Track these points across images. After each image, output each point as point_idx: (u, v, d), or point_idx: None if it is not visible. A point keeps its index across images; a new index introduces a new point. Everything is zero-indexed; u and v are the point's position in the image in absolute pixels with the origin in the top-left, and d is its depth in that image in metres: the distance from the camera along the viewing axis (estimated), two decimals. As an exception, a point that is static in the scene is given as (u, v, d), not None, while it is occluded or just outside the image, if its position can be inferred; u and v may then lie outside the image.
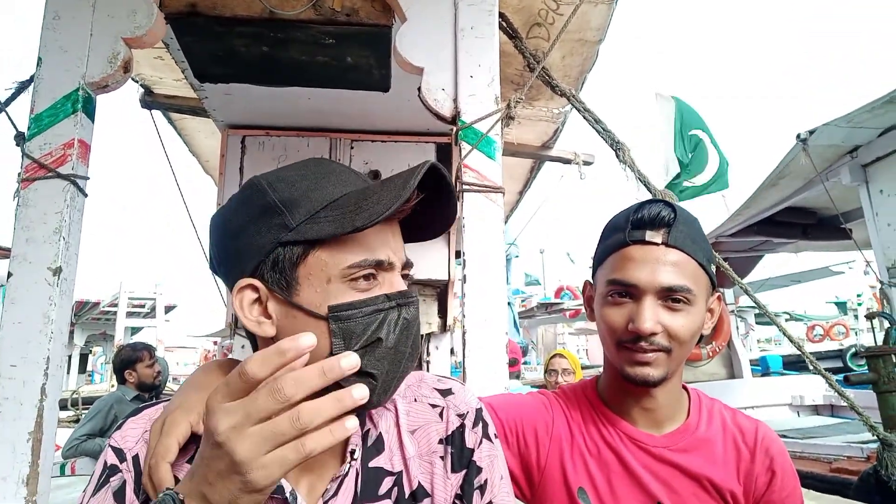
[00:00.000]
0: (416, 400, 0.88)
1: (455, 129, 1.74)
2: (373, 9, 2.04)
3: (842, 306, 22.49)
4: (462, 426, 0.86)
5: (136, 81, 2.91)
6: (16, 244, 1.57)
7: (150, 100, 3.02)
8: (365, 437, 0.83)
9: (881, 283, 4.23)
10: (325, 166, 0.79)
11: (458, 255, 2.66)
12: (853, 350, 11.31)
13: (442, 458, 0.84)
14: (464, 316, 1.60)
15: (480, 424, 0.87)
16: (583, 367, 5.20)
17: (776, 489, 1.01)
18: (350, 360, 0.55)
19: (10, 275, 1.56)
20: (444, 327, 3.40)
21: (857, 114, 3.91)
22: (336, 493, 0.77)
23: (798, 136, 4.35)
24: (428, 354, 3.48)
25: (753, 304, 2.64)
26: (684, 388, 1.11)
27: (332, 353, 0.72)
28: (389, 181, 0.75)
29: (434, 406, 0.88)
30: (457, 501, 0.83)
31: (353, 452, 0.80)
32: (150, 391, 4.13)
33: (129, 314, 16.16)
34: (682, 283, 0.97)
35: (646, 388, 1.02)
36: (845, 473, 3.46)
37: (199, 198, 3.62)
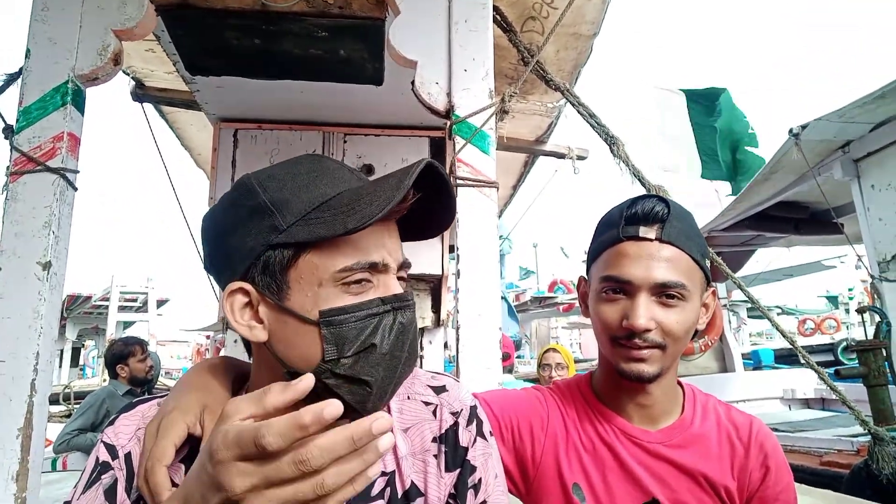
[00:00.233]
0: (409, 397, 0.87)
1: (449, 123, 1.73)
2: (366, 1, 2.03)
3: (833, 300, 22.67)
4: (456, 424, 0.85)
5: (128, 74, 2.88)
6: (4, 238, 1.55)
7: (142, 93, 2.99)
8: None
9: (872, 277, 4.26)
10: (318, 164, 0.77)
11: (451, 249, 2.65)
12: (844, 344, 11.38)
13: (435, 456, 0.83)
14: (457, 311, 1.59)
15: (475, 422, 0.87)
16: (576, 361, 5.22)
17: (770, 484, 1.02)
18: (381, 424, 0.52)
19: (-2, 269, 1.54)
20: (437, 322, 3.39)
21: (849, 109, 3.92)
22: None
23: (790, 130, 4.36)
24: (421, 349, 3.47)
25: (746, 299, 2.64)
26: (679, 383, 1.11)
27: (324, 360, 0.70)
28: (384, 180, 0.73)
29: (427, 403, 0.87)
30: (450, 501, 0.82)
31: None
32: (143, 385, 4.12)
33: (121, 308, 16.10)
34: (676, 279, 0.97)
35: (641, 384, 1.02)
36: (836, 467, 3.49)
37: (191, 191, 3.59)
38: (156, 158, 3.26)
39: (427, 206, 0.79)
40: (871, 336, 3.82)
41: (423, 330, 3.46)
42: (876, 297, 4.21)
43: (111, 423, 0.80)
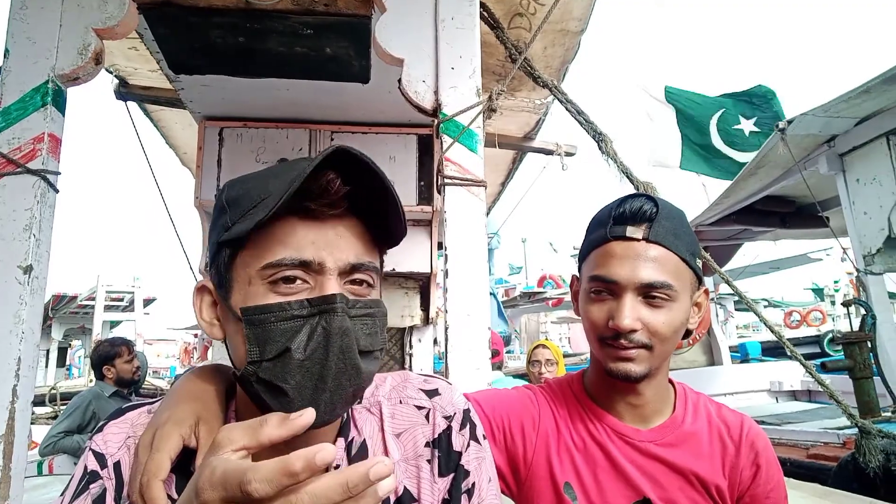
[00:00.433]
0: (401, 402, 0.86)
1: (436, 121, 1.71)
2: (351, -1, 2.01)
3: (818, 293, 22.88)
4: (449, 428, 0.84)
5: (111, 73, 2.84)
6: (-16, 242, 1.53)
7: (126, 91, 2.95)
8: (349, 446, 0.81)
9: (857, 271, 4.30)
10: (285, 164, 0.75)
11: (440, 246, 2.64)
12: (830, 336, 11.51)
13: (429, 461, 0.82)
14: (446, 311, 1.58)
15: (468, 426, 0.85)
16: (565, 356, 5.24)
17: (761, 482, 1.02)
18: (379, 469, 0.48)
19: (-22, 274, 1.51)
20: (426, 320, 3.39)
21: (834, 104, 3.95)
22: None
23: (776, 125, 4.39)
24: (410, 347, 3.47)
25: (732, 292, 2.66)
26: (671, 382, 1.11)
27: (248, 362, 0.68)
28: (291, 168, 0.70)
29: (420, 408, 0.86)
30: None
31: (337, 468, 0.78)
32: (129, 386, 4.09)
33: (108, 308, 15.93)
34: (662, 280, 0.96)
35: (631, 383, 1.02)
36: (822, 459, 3.52)
37: (177, 190, 3.56)
38: (140, 157, 3.22)
39: (383, 204, 0.75)
40: (856, 328, 3.86)
41: (412, 328, 3.46)
42: (861, 290, 4.26)
43: (99, 429, 0.78)
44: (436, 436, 0.83)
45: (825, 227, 5.08)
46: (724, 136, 7.13)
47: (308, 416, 0.54)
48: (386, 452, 0.81)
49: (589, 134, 2.10)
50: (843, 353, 3.69)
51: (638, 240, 0.98)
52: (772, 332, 2.66)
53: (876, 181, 4.14)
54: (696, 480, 1.00)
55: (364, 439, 0.82)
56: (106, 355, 4.01)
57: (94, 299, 15.44)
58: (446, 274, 1.62)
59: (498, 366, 4.01)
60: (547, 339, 10.38)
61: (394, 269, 3.08)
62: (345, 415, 0.82)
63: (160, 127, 3.40)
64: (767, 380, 6.75)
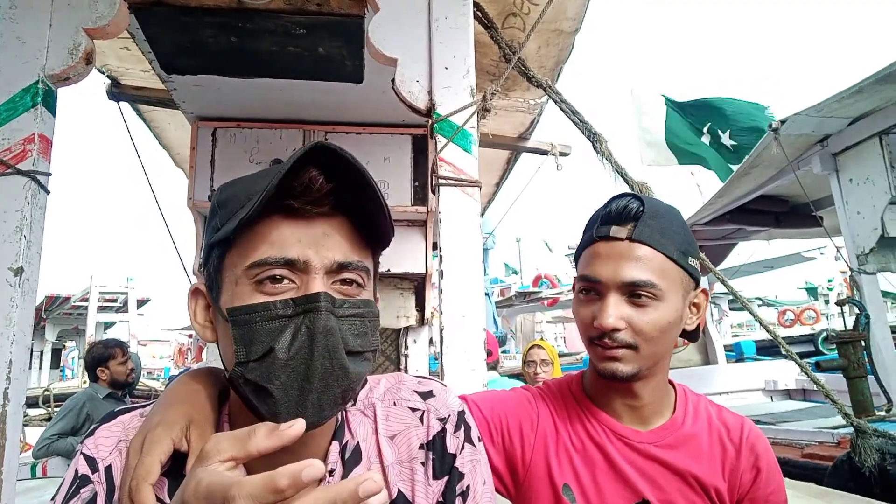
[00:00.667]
0: (395, 403, 0.86)
1: (430, 121, 1.71)
2: (344, -2, 2.00)
3: (812, 291, 23.00)
4: (443, 430, 0.84)
5: (103, 73, 2.83)
6: (-26, 244, 1.51)
7: (118, 91, 2.94)
8: (343, 449, 0.80)
9: (851, 270, 4.31)
10: (276, 165, 0.73)
11: (435, 246, 2.64)
12: (824, 334, 11.55)
13: (423, 464, 0.82)
14: (441, 312, 1.58)
15: (462, 428, 0.85)
16: (560, 355, 5.23)
17: (761, 486, 1.02)
18: (368, 486, 0.46)
19: (-32, 276, 1.50)
20: (421, 321, 3.38)
21: (828, 103, 3.96)
22: None
23: (770, 125, 4.40)
24: (406, 348, 3.46)
25: (727, 291, 2.67)
26: (671, 383, 1.11)
27: (235, 363, 0.68)
28: (274, 168, 0.70)
29: (414, 410, 0.85)
30: None
31: (332, 472, 0.77)
32: (123, 388, 4.07)
33: (101, 309, 15.83)
34: (645, 279, 0.96)
35: (628, 384, 1.02)
36: (817, 459, 3.53)
37: (170, 191, 3.54)
38: (133, 158, 3.21)
39: (368, 201, 0.73)
40: (850, 328, 3.87)
41: (407, 329, 3.45)
42: (855, 289, 4.27)
43: (91, 433, 0.77)
44: (430, 438, 0.83)
45: (819, 227, 5.09)
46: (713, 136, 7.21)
47: (298, 427, 0.52)
48: (380, 455, 0.81)
49: (583, 134, 2.10)
50: (836, 352, 3.70)
51: (622, 239, 0.99)
52: (767, 330, 2.66)
53: (869, 181, 4.15)
54: (696, 482, 1.00)
55: (358, 442, 0.81)
56: (100, 357, 4.00)
57: (87, 300, 15.35)
58: (441, 274, 1.61)
59: (493, 366, 4.01)
60: (542, 338, 10.39)
61: (389, 270, 3.07)
62: (339, 417, 0.81)
63: (153, 127, 3.38)
64: (762, 379, 6.76)
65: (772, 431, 4.23)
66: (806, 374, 2.50)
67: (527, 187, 5.23)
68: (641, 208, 1.00)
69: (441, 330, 1.57)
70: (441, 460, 0.82)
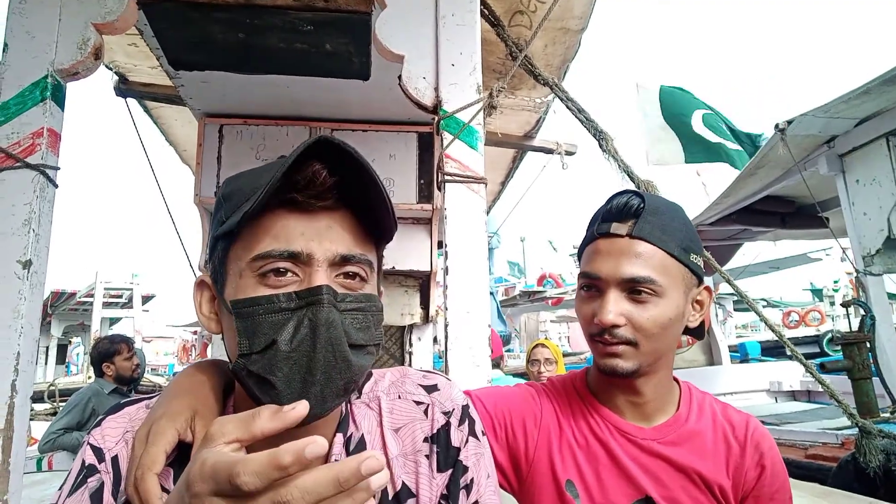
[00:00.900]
0: (399, 397, 0.86)
1: (436, 118, 1.71)
2: (352, -5, 2.01)
3: (817, 293, 22.89)
4: (448, 424, 0.84)
5: (110, 69, 2.84)
6: (-17, 237, 1.52)
7: (125, 87, 2.95)
8: (347, 441, 0.81)
9: (857, 271, 4.30)
10: (280, 159, 0.74)
11: (440, 244, 2.64)
12: (829, 336, 11.51)
13: (427, 457, 0.82)
14: (446, 309, 1.58)
15: (467, 422, 0.85)
16: (564, 355, 5.24)
17: (766, 484, 1.02)
18: (370, 464, 0.47)
19: (-23, 269, 1.51)
20: (426, 318, 3.39)
21: (834, 104, 3.95)
22: None
23: (776, 125, 4.38)
24: (410, 346, 3.46)
25: (732, 292, 2.66)
26: (676, 380, 1.11)
27: (239, 355, 0.69)
28: (279, 161, 0.70)
29: (419, 403, 0.85)
30: (442, 501, 0.81)
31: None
32: (129, 384, 4.08)
33: (106, 304, 15.89)
34: (644, 275, 0.96)
35: (629, 380, 1.02)
36: (821, 460, 3.52)
37: (176, 187, 3.55)
38: (140, 154, 3.22)
39: (371, 195, 0.74)
40: (855, 329, 3.86)
41: (412, 326, 3.46)
42: (861, 290, 4.25)
43: (98, 424, 0.78)
44: (434, 431, 0.83)
45: (825, 228, 5.07)
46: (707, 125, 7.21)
47: (301, 408, 0.53)
48: (384, 448, 0.81)
49: (590, 132, 2.09)
50: (841, 353, 3.69)
51: (622, 236, 0.99)
52: (772, 331, 2.66)
53: (876, 182, 4.13)
54: (699, 479, 1.00)
55: (362, 434, 0.82)
56: (105, 352, 4.01)
57: (92, 296, 15.41)
58: (446, 271, 1.61)
59: (496, 363, 4.02)
60: (546, 338, 10.38)
61: (394, 268, 3.08)
62: (343, 410, 0.82)
63: (160, 124, 3.39)
64: (767, 380, 6.74)
65: (776, 432, 4.22)
66: (811, 374, 2.49)
67: (532, 186, 5.23)
68: (642, 205, 1.00)
69: (446, 326, 1.57)
70: (445, 453, 0.82)
